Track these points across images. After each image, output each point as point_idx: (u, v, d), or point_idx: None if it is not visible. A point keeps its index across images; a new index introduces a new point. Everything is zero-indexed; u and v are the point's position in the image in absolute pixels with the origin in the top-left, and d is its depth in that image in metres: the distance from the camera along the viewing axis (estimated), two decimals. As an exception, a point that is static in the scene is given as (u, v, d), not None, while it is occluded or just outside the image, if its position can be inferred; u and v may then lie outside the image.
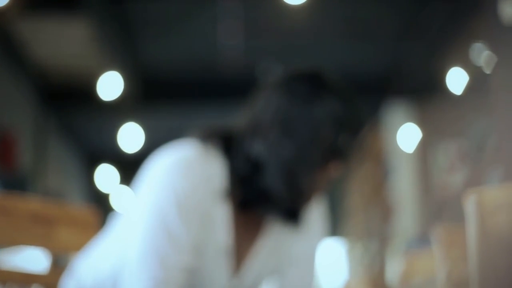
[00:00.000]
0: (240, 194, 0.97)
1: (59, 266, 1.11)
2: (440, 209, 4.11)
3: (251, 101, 1.00)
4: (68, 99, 4.77)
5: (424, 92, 4.50)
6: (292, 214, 0.99)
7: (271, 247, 1.02)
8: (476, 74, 3.21)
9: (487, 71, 2.94)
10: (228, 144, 0.98)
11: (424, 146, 4.57)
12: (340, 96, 0.97)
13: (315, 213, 1.06)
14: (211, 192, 0.95)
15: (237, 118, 1.01)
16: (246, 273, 1.01)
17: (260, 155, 0.95)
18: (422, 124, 4.64)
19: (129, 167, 3.58)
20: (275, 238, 1.02)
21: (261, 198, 0.97)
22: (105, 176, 6.34)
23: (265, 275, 1.03)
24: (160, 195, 0.93)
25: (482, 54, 3.07)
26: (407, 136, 4.62)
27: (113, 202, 6.59)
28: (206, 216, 0.95)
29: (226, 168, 0.97)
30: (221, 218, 0.96)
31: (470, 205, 0.73)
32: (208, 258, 0.96)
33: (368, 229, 5.41)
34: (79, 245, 1.10)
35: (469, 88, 3.41)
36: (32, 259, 1.21)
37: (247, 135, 0.97)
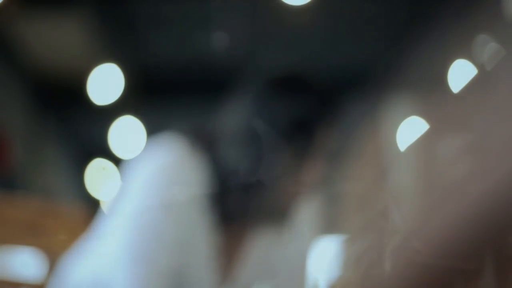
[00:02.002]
0: (221, 203, 0.97)
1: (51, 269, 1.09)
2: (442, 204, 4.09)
3: (227, 104, 1.00)
4: (64, 96, 4.75)
5: (428, 85, 4.49)
6: (278, 217, 0.98)
7: (261, 252, 1.01)
8: (479, 67, 3.19)
9: (491, 64, 2.91)
10: (211, 148, 0.97)
11: (426, 140, 4.55)
12: (311, 100, 0.97)
13: (306, 214, 1.04)
14: (196, 198, 0.95)
15: (216, 120, 1.01)
16: (236, 279, 0.99)
17: (229, 165, 0.94)
18: (425, 117, 4.62)
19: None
20: (264, 242, 1.01)
21: (238, 209, 0.96)
22: (103, 174, 6.32)
23: (256, 280, 1.02)
24: (146, 197, 0.93)
25: (486, 47, 3.05)
26: (409, 130, 4.61)
27: (109, 200, 6.55)
28: (192, 221, 0.94)
29: (209, 173, 0.96)
30: (207, 224, 0.95)
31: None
32: (195, 264, 0.95)
33: (367, 226, 5.43)
34: (70, 247, 1.09)
35: (473, 81, 3.40)
36: (22, 261, 1.20)
37: (221, 143, 0.96)
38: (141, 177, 0.95)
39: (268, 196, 0.96)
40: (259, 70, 1.02)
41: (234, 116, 0.99)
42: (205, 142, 0.99)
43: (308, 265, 1.05)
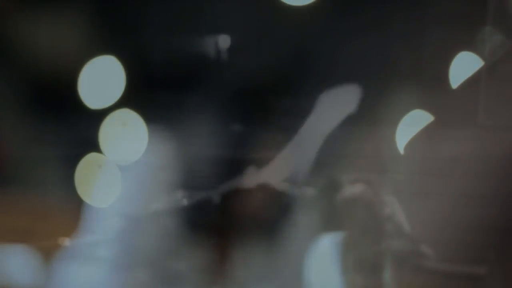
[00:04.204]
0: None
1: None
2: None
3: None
4: (59, 91, 4.74)
5: (431, 78, 4.47)
6: (269, 220, 0.97)
7: (257, 252, 1.00)
8: (484, 59, 3.17)
9: (495, 57, 2.89)
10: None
11: (429, 135, 4.54)
12: None
13: (304, 215, 1.03)
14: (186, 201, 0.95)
15: None
16: (231, 279, 0.98)
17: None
18: (429, 111, 4.61)
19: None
20: (260, 242, 1.00)
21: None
22: (99, 172, 6.35)
23: (254, 280, 1.01)
24: (139, 201, 0.93)
25: (490, 40, 3.01)
26: (412, 125, 4.59)
27: (104, 201, 6.62)
28: (183, 225, 0.94)
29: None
30: (198, 225, 0.95)
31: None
32: (189, 266, 0.94)
33: (371, 230, 5.48)
34: (64, 250, 1.08)
35: (476, 75, 3.38)
36: (16, 264, 1.19)
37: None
38: (135, 179, 0.95)
39: (249, 200, 0.96)
40: (225, 78, 1.03)
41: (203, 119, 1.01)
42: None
43: (307, 267, 1.04)
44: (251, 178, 0.98)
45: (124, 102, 1.38)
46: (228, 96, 1.04)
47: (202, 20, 1.35)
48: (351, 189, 0.93)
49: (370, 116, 1.18)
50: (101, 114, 1.48)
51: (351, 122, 0.99)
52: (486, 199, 0.70)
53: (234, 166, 1.03)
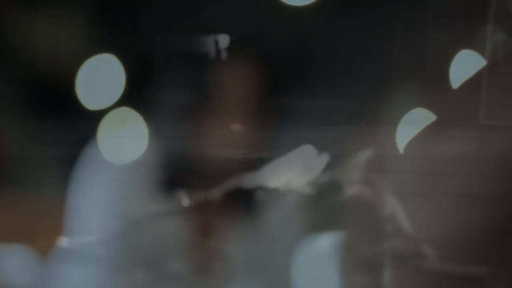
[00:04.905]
0: None
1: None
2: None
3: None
4: (56, 90, 4.74)
5: (432, 78, 4.46)
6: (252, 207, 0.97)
7: (255, 253, 0.99)
8: (486, 59, 3.16)
9: (497, 56, 2.87)
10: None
11: (429, 134, 4.53)
12: None
13: (286, 208, 1.02)
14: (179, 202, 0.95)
15: None
16: (215, 271, 0.97)
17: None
18: (429, 110, 4.59)
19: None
20: (243, 234, 0.99)
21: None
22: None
23: (253, 282, 1.00)
24: (136, 201, 0.94)
25: (491, 40, 3.00)
26: (412, 124, 4.58)
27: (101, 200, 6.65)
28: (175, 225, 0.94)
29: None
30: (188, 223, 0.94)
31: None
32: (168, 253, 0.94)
33: (371, 230, 5.46)
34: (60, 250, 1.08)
35: (478, 74, 3.37)
36: (12, 265, 1.19)
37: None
38: (134, 179, 0.95)
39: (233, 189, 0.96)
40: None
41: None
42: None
43: (307, 267, 1.03)
44: (251, 178, 0.98)
45: (124, 101, 1.38)
46: (227, 95, 1.03)
47: (202, 20, 1.35)
48: (351, 189, 0.92)
49: (370, 116, 1.18)
50: (101, 113, 1.48)
51: (351, 122, 0.99)
52: (487, 199, 0.70)
53: (234, 166, 1.02)
